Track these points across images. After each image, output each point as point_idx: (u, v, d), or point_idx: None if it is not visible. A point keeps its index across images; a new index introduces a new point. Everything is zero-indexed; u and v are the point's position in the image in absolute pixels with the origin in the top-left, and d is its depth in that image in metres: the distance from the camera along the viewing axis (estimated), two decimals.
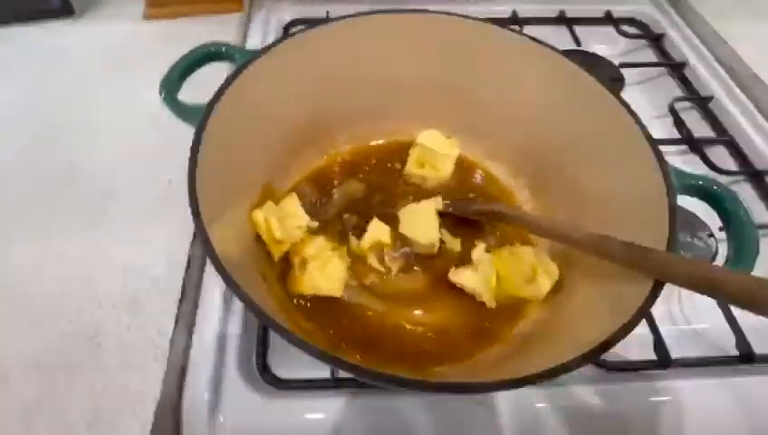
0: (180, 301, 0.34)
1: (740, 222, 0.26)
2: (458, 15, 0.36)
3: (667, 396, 0.32)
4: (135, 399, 0.30)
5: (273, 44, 0.32)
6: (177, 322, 0.33)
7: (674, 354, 0.32)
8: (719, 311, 0.34)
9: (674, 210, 0.25)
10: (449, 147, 0.40)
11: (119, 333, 0.32)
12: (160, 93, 0.29)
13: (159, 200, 0.39)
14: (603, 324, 0.23)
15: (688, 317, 0.37)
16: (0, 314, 0.33)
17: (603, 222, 0.30)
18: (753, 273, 0.24)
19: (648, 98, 0.53)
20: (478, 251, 0.33)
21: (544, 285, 0.32)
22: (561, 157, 0.35)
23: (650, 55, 0.58)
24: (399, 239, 0.34)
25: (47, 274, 0.35)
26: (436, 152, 0.39)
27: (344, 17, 0.35)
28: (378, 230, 0.34)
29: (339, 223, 0.36)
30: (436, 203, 0.36)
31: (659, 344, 0.33)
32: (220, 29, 0.55)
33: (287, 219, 0.33)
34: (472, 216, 0.36)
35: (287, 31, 0.57)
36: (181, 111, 0.29)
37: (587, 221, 0.32)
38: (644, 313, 0.22)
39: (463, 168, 0.41)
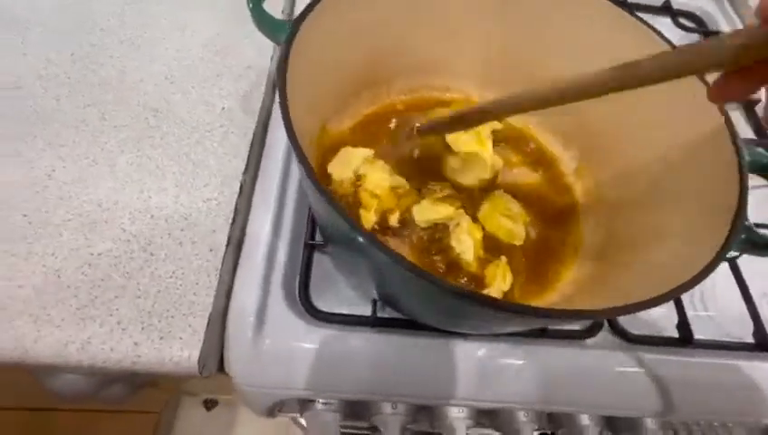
0: (232, 223, 0.34)
1: None
2: None
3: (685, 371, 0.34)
4: (187, 311, 0.31)
5: None
6: (228, 242, 0.34)
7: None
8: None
9: (744, 184, 0.25)
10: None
11: (170, 245, 0.33)
12: (248, 4, 0.28)
13: (213, 125, 0.39)
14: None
15: (707, 305, 0.38)
16: (52, 217, 0.33)
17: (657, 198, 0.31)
18: None
19: None
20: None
21: None
22: (617, 129, 0.36)
23: None
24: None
25: (98, 182, 0.35)
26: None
27: None
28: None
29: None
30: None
31: (683, 324, 0.35)
32: None
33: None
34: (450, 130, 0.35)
35: None
36: (266, 21, 0.27)
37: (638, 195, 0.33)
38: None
39: (512, 135, 0.41)
